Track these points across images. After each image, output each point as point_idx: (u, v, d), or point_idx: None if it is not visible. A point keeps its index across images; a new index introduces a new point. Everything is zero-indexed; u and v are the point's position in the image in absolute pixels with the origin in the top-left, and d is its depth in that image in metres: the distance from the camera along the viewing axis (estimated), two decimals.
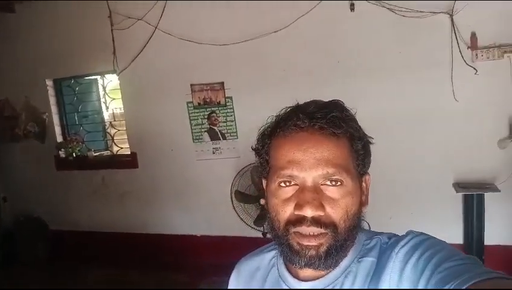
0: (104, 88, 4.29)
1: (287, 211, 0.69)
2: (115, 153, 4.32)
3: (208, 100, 3.66)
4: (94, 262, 4.06)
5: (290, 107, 0.75)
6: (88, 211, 4.32)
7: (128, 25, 3.69)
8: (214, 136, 3.72)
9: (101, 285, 3.71)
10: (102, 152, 4.37)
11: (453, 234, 3.05)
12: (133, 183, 4.10)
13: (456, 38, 2.90)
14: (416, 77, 3.04)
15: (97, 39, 3.87)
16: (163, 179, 3.97)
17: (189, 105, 3.72)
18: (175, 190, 3.95)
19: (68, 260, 4.19)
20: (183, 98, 3.71)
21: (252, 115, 3.44)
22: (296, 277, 0.75)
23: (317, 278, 0.72)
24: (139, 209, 4.12)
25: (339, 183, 0.67)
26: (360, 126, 0.73)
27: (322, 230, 0.66)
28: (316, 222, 0.66)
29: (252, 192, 3.20)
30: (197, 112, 3.72)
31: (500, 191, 2.86)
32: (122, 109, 4.11)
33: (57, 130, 4.34)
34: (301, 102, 0.75)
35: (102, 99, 4.34)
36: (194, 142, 3.78)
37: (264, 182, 0.78)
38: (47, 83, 4.24)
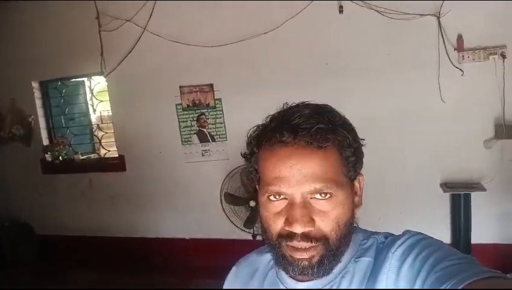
0: (91, 90, 4.24)
1: (278, 225, 0.69)
2: (102, 156, 4.28)
3: (197, 102, 3.65)
4: (82, 267, 4.00)
5: (275, 113, 0.73)
6: (75, 215, 4.25)
7: (116, 26, 3.66)
8: (203, 138, 3.71)
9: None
10: (89, 155, 4.32)
11: (441, 233, 3.08)
12: (121, 187, 4.06)
13: (443, 40, 2.94)
14: (404, 77, 3.07)
15: (84, 40, 3.83)
16: (151, 182, 3.93)
17: (178, 107, 3.70)
18: (164, 192, 3.92)
19: (55, 265, 4.13)
20: (172, 100, 3.69)
21: (241, 116, 3.45)
22: (294, 277, 0.75)
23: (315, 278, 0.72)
24: (127, 213, 4.08)
25: (328, 196, 0.67)
26: (351, 130, 0.71)
27: (313, 244, 0.67)
28: (306, 237, 0.66)
29: (242, 194, 3.19)
30: (186, 114, 3.70)
31: (486, 190, 2.90)
32: (110, 111, 4.07)
33: (43, 133, 4.27)
34: (290, 103, 0.74)
35: (90, 102, 4.29)
36: (183, 144, 3.76)
37: (257, 187, 0.77)
38: (33, 85, 4.17)
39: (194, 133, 3.72)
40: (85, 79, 4.23)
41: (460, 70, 2.93)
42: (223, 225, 3.44)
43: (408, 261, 0.65)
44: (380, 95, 3.12)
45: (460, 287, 0.53)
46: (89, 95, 4.28)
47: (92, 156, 4.32)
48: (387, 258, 0.68)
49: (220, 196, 3.28)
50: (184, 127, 3.73)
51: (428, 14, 2.93)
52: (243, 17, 3.38)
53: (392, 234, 0.75)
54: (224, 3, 3.37)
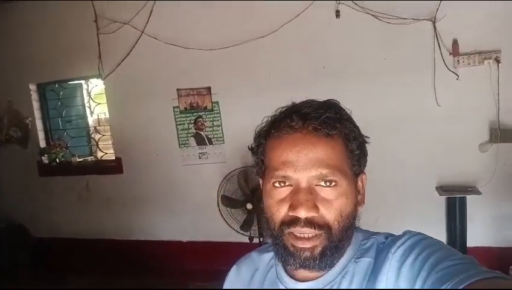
0: (88, 93, 4.25)
1: (281, 212, 0.69)
2: (99, 158, 4.27)
3: (194, 105, 3.66)
4: (78, 269, 3.99)
5: (285, 107, 0.75)
6: (72, 218, 4.24)
7: (114, 29, 3.67)
8: (200, 141, 3.71)
9: None
10: (86, 158, 4.32)
11: (437, 236, 2.98)
12: (118, 189, 4.05)
13: (439, 44, 2.97)
14: (400, 81, 3.09)
15: (82, 43, 3.83)
16: (148, 185, 3.93)
17: (176, 110, 3.71)
18: (161, 195, 3.92)
19: (51, 267, 4.11)
20: (169, 103, 3.70)
21: (238, 119, 3.46)
22: (294, 277, 0.75)
23: (315, 278, 0.72)
24: (124, 215, 4.07)
25: (333, 184, 0.67)
26: (356, 126, 0.73)
27: (316, 231, 0.67)
28: (309, 222, 0.66)
29: (239, 197, 3.19)
30: (184, 117, 3.71)
31: (481, 193, 2.92)
32: (107, 114, 4.07)
33: (40, 135, 4.27)
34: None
35: (87, 104, 4.29)
36: (180, 147, 3.77)
37: (260, 181, 0.78)
38: (30, 87, 4.17)
39: (191, 136, 3.73)
40: (83, 81, 4.23)
41: (456, 74, 2.95)
42: (219, 228, 3.44)
43: (408, 261, 0.65)
44: (376, 99, 3.14)
45: (460, 288, 0.53)
46: (86, 98, 4.28)
47: (89, 158, 4.32)
48: (387, 258, 0.68)
49: (217, 198, 3.28)
50: (181, 130, 3.74)
51: (424, 19, 2.96)
52: (241, 20, 3.39)
53: (392, 235, 0.75)
54: (222, 7, 3.39)
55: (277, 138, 0.70)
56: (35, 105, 4.23)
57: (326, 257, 0.69)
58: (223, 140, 3.65)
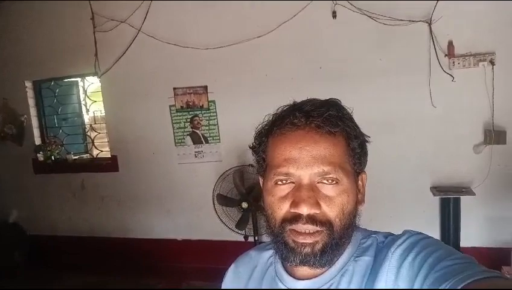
0: (84, 90, 4.23)
1: (283, 209, 0.69)
2: (95, 156, 4.27)
3: (190, 104, 3.66)
4: (73, 267, 3.98)
5: (286, 105, 0.75)
6: (67, 216, 4.24)
7: (111, 27, 3.66)
8: (196, 139, 3.72)
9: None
10: (82, 155, 4.31)
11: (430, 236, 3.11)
12: (114, 187, 4.05)
13: (434, 46, 2.99)
14: (396, 82, 3.11)
15: (79, 41, 3.82)
16: (144, 183, 3.93)
17: (172, 108, 3.71)
18: (156, 193, 3.92)
19: (47, 266, 4.10)
20: (165, 102, 3.70)
21: (234, 119, 3.47)
22: (293, 275, 0.75)
23: (314, 277, 0.72)
24: (120, 214, 4.07)
25: (334, 181, 0.68)
26: (357, 125, 0.74)
27: (318, 228, 0.67)
28: (311, 219, 0.66)
29: (234, 195, 3.20)
30: (180, 116, 3.71)
31: (475, 194, 2.95)
32: (103, 111, 4.06)
33: (36, 132, 4.26)
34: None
35: (83, 102, 4.28)
36: (176, 145, 3.77)
37: (260, 180, 0.78)
38: (26, 84, 4.16)
39: (188, 135, 3.73)
40: (79, 79, 4.22)
41: (451, 76, 2.97)
42: (215, 226, 3.45)
43: (407, 260, 0.65)
44: (372, 99, 3.15)
45: (459, 287, 0.53)
46: (82, 95, 4.27)
47: (85, 156, 4.31)
48: (386, 257, 0.68)
49: (213, 197, 3.29)
50: (177, 129, 3.74)
51: (420, 21, 2.97)
52: (238, 20, 3.40)
53: (392, 234, 0.75)
54: (218, 6, 3.39)
55: (279, 135, 0.71)
56: (31, 102, 4.22)
57: (326, 254, 0.68)
58: (219, 139, 3.65)
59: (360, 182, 0.75)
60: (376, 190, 3.17)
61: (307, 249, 0.68)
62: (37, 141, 4.26)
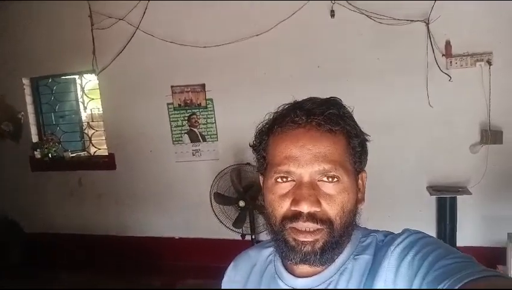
0: (82, 88, 4.22)
1: (283, 207, 0.69)
2: (92, 154, 4.26)
3: (188, 102, 3.66)
4: (70, 265, 3.97)
5: (287, 104, 0.75)
6: (64, 213, 4.23)
7: (109, 24, 3.65)
8: (194, 138, 3.72)
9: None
10: (79, 153, 4.30)
11: None
12: (111, 185, 4.05)
13: (432, 45, 2.99)
14: (393, 82, 3.12)
15: (77, 38, 3.81)
16: (141, 181, 3.93)
17: (170, 106, 3.70)
18: (153, 191, 3.92)
19: (43, 263, 4.09)
20: (163, 100, 3.69)
21: (232, 117, 3.47)
22: (292, 273, 0.75)
23: (313, 274, 0.72)
24: (117, 211, 4.07)
25: (335, 179, 0.68)
26: (357, 124, 0.74)
27: (318, 226, 0.67)
28: (312, 217, 0.66)
29: (231, 194, 3.21)
30: (177, 114, 3.71)
31: (471, 194, 2.97)
32: (101, 109, 4.06)
33: (33, 129, 4.25)
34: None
35: (80, 99, 4.27)
36: (173, 143, 3.77)
37: (260, 178, 0.78)
38: (23, 81, 4.14)
39: (185, 133, 3.73)
40: (76, 76, 4.21)
41: (448, 75, 2.98)
42: (212, 225, 3.45)
43: (407, 259, 0.64)
44: (369, 99, 3.16)
45: (458, 286, 0.53)
46: (80, 93, 4.26)
47: (82, 154, 4.30)
48: (386, 256, 0.68)
49: (210, 195, 3.29)
50: (175, 127, 3.74)
51: (417, 20, 2.98)
52: (236, 18, 3.40)
53: (391, 232, 0.75)
54: (217, 5, 3.39)
55: (280, 133, 0.71)
56: (28, 100, 4.20)
57: (327, 252, 0.69)
58: (216, 137, 3.65)
59: (360, 181, 0.76)
60: (373, 189, 3.17)
61: (308, 248, 0.68)
62: (34, 138, 4.25)
